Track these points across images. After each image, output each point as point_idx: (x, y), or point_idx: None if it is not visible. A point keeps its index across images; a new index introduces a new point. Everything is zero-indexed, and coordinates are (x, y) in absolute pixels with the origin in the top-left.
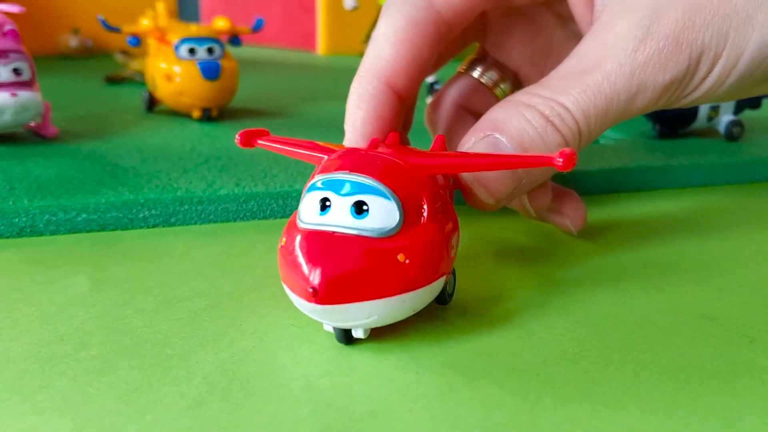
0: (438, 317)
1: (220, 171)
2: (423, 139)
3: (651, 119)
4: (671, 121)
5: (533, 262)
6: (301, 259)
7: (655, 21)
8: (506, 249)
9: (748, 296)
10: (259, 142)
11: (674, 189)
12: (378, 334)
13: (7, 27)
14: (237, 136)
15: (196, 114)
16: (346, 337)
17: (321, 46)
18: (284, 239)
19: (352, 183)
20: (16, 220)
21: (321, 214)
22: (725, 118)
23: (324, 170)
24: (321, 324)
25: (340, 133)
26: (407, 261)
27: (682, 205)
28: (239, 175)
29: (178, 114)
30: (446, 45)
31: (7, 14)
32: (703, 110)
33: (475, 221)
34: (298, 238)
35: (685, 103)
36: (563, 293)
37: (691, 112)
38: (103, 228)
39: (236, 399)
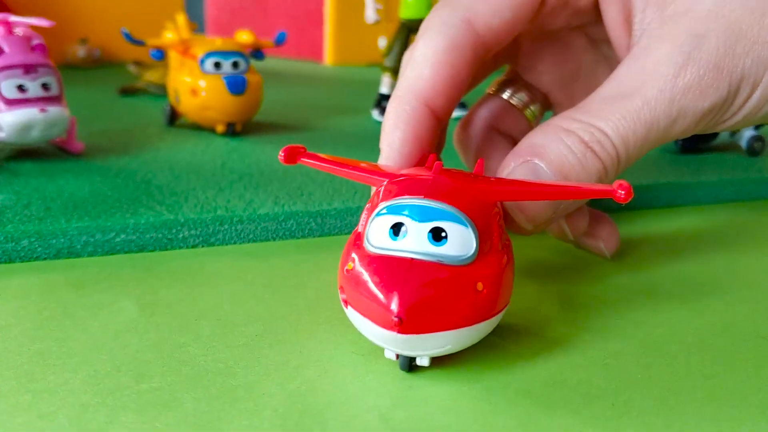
0: (489, 344)
1: (256, 188)
2: (449, 158)
3: None
4: (694, 136)
5: (571, 282)
6: (382, 286)
7: (696, 47)
8: (540, 269)
9: None
10: (304, 160)
11: (703, 205)
12: (437, 361)
13: (35, 41)
14: (281, 152)
15: (220, 128)
16: (409, 365)
17: (328, 57)
18: (351, 264)
19: (430, 209)
20: (54, 241)
21: (394, 239)
22: (747, 133)
23: (393, 194)
24: (382, 350)
25: (365, 147)
26: (484, 290)
27: (712, 222)
28: (276, 193)
29: (200, 128)
30: (481, 66)
31: (33, 27)
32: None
33: None
34: (373, 263)
35: (723, 128)
36: (613, 314)
37: (733, 129)
38: (142, 249)
39: None
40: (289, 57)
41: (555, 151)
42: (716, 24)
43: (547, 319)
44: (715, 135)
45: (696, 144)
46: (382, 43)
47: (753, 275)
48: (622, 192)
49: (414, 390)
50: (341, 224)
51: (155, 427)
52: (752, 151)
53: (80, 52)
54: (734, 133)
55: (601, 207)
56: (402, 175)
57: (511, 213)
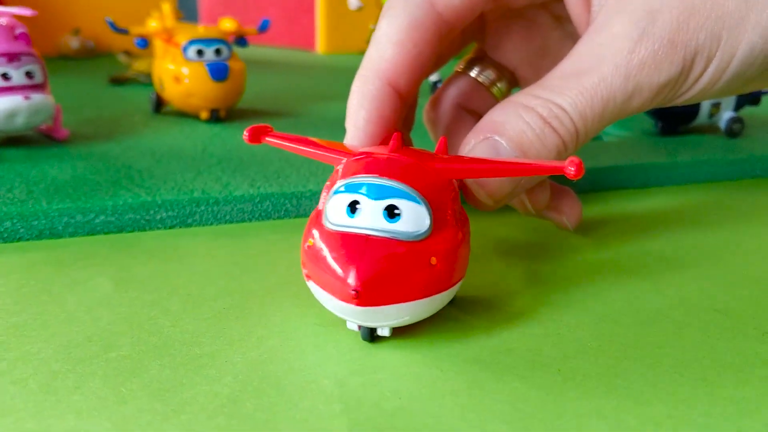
0: (450, 316)
1: (234, 172)
2: (420, 136)
3: (653, 116)
4: (673, 118)
5: (537, 258)
6: (340, 261)
7: (650, 23)
8: (507, 246)
9: (755, 289)
10: (268, 139)
11: (678, 186)
12: (399, 332)
13: (19, 30)
14: (245, 132)
15: (204, 115)
16: (371, 335)
17: (320, 45)
18: (312, 240)
19: (384, 187)
20: (36, 222)
21: (351, 217)
22: (726, 114)
23: (350, 173)
24: (345, 322)
25: (343, 132)
26: (438, 264)
27: (685, 201)
28: (253, 176)
29: (185, 115)
30: (446, 45)
31: (18, 17)
32: (705, 107)
33: (473, 218)
34: (331, 239)
35: (679, 101)
36: (575, 289)
37: (693, 110)
38: (121, 230)
39: (269, 397)
40: (282, 46)
41: (514, 128)
42: (670, 0)
43: (510, 293)
44: (694, 117)
45: (675, 126)
46: (354, 3)
47: (718, 252)
48: (572, 168)
49: (371, 358)
50: (316, 205)
51: (120, 392)
52: (731, 132)
53: (73, 43)
54: (713, 114)
55: (575, 186)
56: (360, 154)
57: (472, 189)
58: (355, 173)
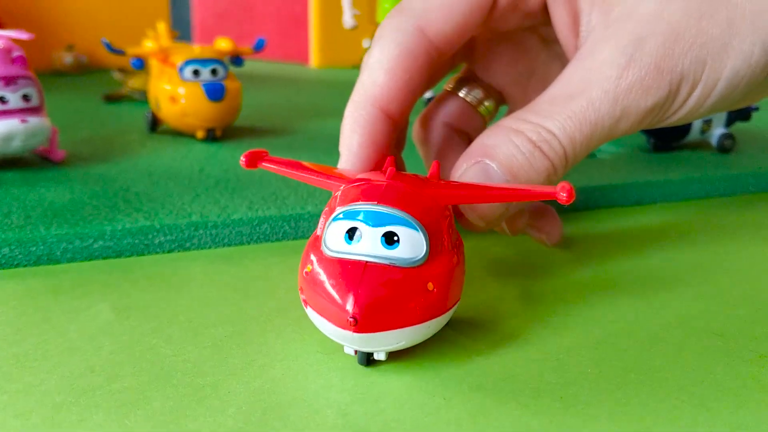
0: (449, 339)
1: (231, 194)
2: (410, 155)
3: (646, 133)
4: (665, 135)
5: (532, 278)
6: (338, 288)
7: (637, 49)
8: (501, 266)
9: (750, 309)
10: (264, 164)
11: (671, 202)
12: (398, 356)
13: (15, 53)
14: (242, 158)
15: (200, 134)
16: (367, 359)
17: (314, 60)
18: (310, 266)
19: (382, 214)
20: (34, 248)
21: (349, 243)
22: (717, 131)
23: (349, 200)
24: (343, 347)
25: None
26: (435, 289)
27: (679, 218)
28: (251, 198)
29: (181, 134)
30: (437, 68)
31: (14, 40)
32: (696, 124)
33: (467, 238)
34: (330, 266)
35: (666, 123)
36: (571, 310)
37: (685, 126)
38: (119, 254)
39: (273, 429)
40: (276, 60)
41: (505, 152)
42: (657, 27)
43: (506, 314)
44: (686, 133)
45: (668, 143)
46: (367, 44)
47: (712, 270)
48: (564, 194)
49: (373, 386)
50: (314, 228)
51: (125, 425)
52: (722, 148)
53: (67, 58)
54: (705, 131)
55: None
56: (357, 180)
57: (464, 212)
58: (353, 200)
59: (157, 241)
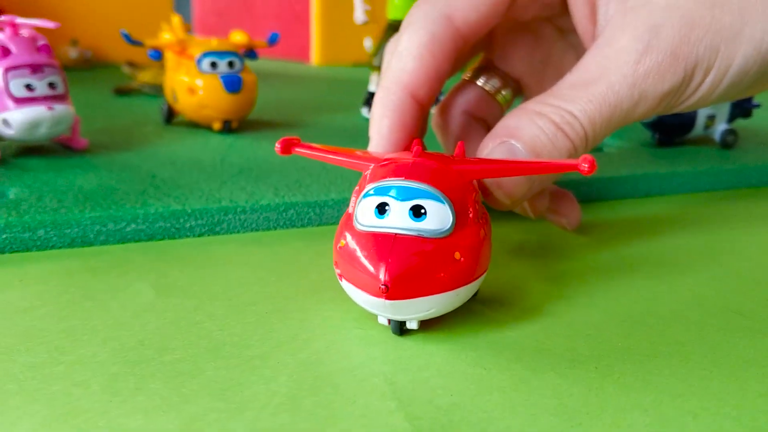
0: (478, 311)
1: (256, 181)
2: (429, 141)
3: (650, 128)
4: (670, 130)
5: (555, 261)
6: (370, 259)
7: (654, 36)
8: (525, 249)
9: (763, 290)
10: (297, 150)
11: (677, 194)
12: (431, 328)
13: (41, 42)
14: (277, 144)
15: (217, 126)
16: (400, 328)
17: (315, 57)
18: (344, 241)
19: (410, 189)
20: (68, 230)
21: (380, 217)
22: (720, 126)
23: (378, 177)
24: (385, 327)
25: (355, 142)
26: (462, 258)
27: (688, 209)
28: (276, 185)
29: (196, 125)
30: (460, 56)
31: (38, 29)
32: (700, 119)
33: (493, 224)
34: (362, 239)
35: (681, 108)
36: (594, 290)
37: (689, 122)
38: (151, 238)
39: (326, 394)
40: (277, 57)
41: (529, 132)
42: (672, 15)
43: (532, 292)
44: (690, 129)
45: (672, 138)
46: (368, 43)
47: (724, 256)
48: (586, 165)
49: (415, 357)
50: (338, 214)
51: (182, 393)
52: (725, 143)
53: (72, 53)
54: (708, 126)
55: (580, 195)
56: (385, 160)
57: (491, 189)
58: (382, 177)
59: (188, 225)
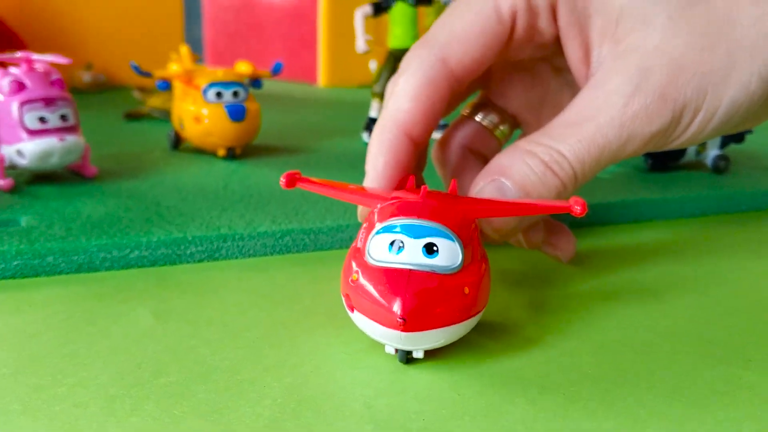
0: (467, 340)
1: (255, 209)
2: (429, 175)
3: (644, 154)
4: (662, 156)
5: (539, 289)
6: (386, 293)
7: (643, 79)
8: (513, 277)
9: (741, 320)
10: (301, 184)
11: (667, 220)
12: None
13: (54, 76)
14: (282, 178)
15: (222, 152)
16: (406, 357)
17: (322, 79)
18: (356, 275)
19: (423, 227)
20: (75, 257)
21: (393, 253)
22: (712, 152)
23: (389, 215)
24: (369, 349)
25: (356, 169)
26: (469, 293)
27: (675, 235)
28: (273, 213)
29: (202, 151)
30: (456, 95)
31: (52, 64)
32: (692, 146)
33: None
34: (377, 274)
35: (672, 146)
36: (574, 318)
37: (681, 148)
38: (153, 263)
39: (306, 418)
40: (285, 80)
41: (519, 171)
42: (661, 59)
43: (515, 320)
44: (682, 154)
45: (664, 163)
46: (373, 66)
47: (706, 284)
48: (578, 208)
49: (395, 383)
50: (333, 240)
51: (173, 414)
52: (717, 169)
53: (86, 77)
54: (700, 152)
55: (570, 221)
56: (394, 198)
57: (481, 225)
58: (392, 215)
59: (188, 251)
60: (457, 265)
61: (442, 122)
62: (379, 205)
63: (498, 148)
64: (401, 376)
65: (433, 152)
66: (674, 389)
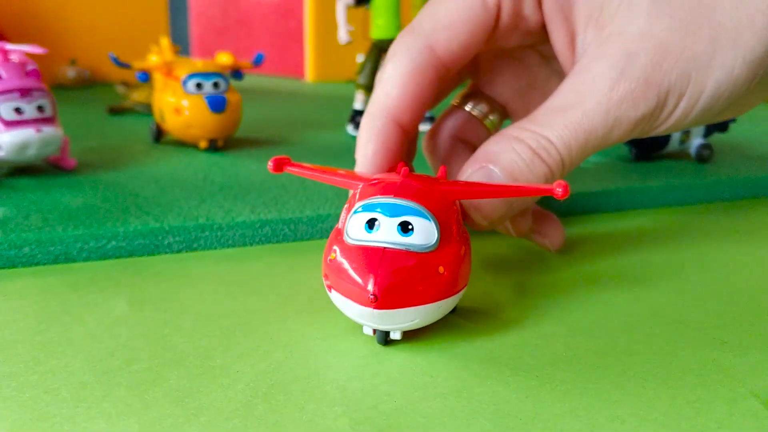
0: (447, 323)
1: (234, 199)
2: (420, 166)
3: (628, 143)
4: (646, 145)
5: (522, 273)
6: (360, 270)
7: (628, 64)
8: (496, 263)
9: (718, 303)
10: (289, 168)
11: (650, 209)
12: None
13: (30, 67)
14: (269, 162)
15: (203, 144)
16: (385, 339)
17: (309, 74)
18: (333, 254)
19: (399, 206)
20: (52, 248)
21: (369, 232)
22: (696, 141)
23: (368, 195)
24: (345, 335)
25: (340, 160)
26: (445, 273)
27: (657, 223)
28: (253, 203)
29: (184, 144)
30: (444, 83)
31: (28, 54)
32: (676, 134)
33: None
34: (352, 252)
35: (655, 133)
36: (552, 304)
37: (665, 137)
38: (131, 254)
39: (278, 401)
40: (272, 74)
41: (507, 158)
42: (645, 44)
43: (496, 304)
44: (666, 143)
45: (648, 152)
46: (361, 59)
47: (686, 270)
48: (560, 190)
49: (367, 367)
50: (312, 230)
51: (144, 399)
52: (701, 158)
53: (70, 73)
54: (684, 141)
55: (556, 210)
56: (374, 179)
57: (469, 212)
58: (372, 195)
59: (166, 242)
60: (432, 244)
61: (429, 115)
62: (360, 186)
63: (487, 137)
64: (374, 360)
65: (423, 142)
66: (647, 370)
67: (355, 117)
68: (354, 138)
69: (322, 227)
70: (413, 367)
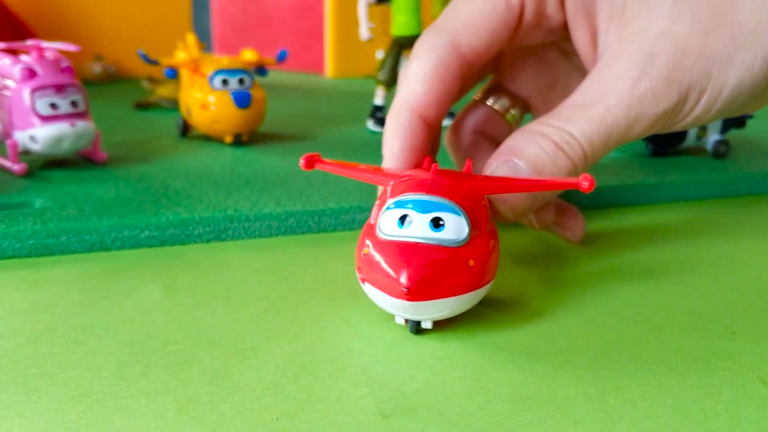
0: (470, 312)
1: (261, 191)
2: (442, 158)
3: (645, 139)
4: (663, 141)
5: (545, 267)
6: (393, 264)
7: (649, 62)
8: (523, 256)
9: (729, 295)
10: (319, 165)
11: (667, 203)
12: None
13: (64, 64)
14: (301, 159)
15: (229, 139)
16: (416, 328)
17: (329, 70)
18: (367, 249)
19: (430, 202)
20: (88, 237)
21: (401, 227)
22: (712, 137)
23: (400, 192)
24: (369, 322)
25: (360, 154)
26: (475, 265)
27: (674, 218)
28: (278, 195)
29: (210, 139)
30: (467, 79)
31: (62, 51)
32: (692, 130)
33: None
34: (386, 247)
35: (677, 128)
36: (570, 295)
37: (681, 132)
38: (163, 243)
39: (306, 382)
40: (293, 70)
41: (531, 152)
42: (666, 42)
43: (521, 294)
44: (683, 139)
45: (665, 148)
46: (380, 55)
47: (699, 263)
48: (586, 183)
49: (390, 352)
50: (335, 222)
51: (180, 378)
52: (717, 153)
53: (96, 68)
54: (701, 137)
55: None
56: (405, 176)
57: (496, 204)
58: (403, 192)
59: (196, 232)
60: (463, 238)
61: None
62: (391, 183)
63: (509, 131)
64: (397, 346)
65: (446, 136)
66: (658, 358)
67: (375, 112)
68: (373, 133)
69: (344, 219)
70: (434, 353)
